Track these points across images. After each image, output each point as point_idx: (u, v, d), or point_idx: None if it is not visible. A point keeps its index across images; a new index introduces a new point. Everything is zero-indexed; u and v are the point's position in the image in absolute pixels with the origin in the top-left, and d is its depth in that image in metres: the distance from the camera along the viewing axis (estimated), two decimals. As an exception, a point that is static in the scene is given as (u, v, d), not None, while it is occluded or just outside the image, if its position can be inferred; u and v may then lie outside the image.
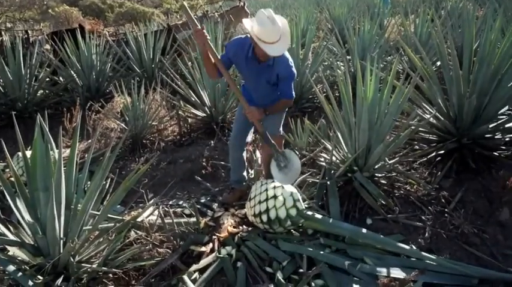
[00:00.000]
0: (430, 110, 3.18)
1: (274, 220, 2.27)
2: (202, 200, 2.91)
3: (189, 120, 4.43)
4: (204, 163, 3.42)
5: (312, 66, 4.75)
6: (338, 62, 5.30)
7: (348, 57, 5.28)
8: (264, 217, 2.28)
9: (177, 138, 4.22)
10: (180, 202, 2.87)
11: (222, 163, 3.45)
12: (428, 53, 4.89)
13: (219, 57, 2.35)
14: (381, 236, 2.24)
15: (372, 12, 8.26)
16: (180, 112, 4.27)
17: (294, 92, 2.50)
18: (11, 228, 2.05)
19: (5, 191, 2.01)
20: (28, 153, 2.11)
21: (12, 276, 1.75)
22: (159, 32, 6.58)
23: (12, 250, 1.96)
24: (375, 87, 2.63)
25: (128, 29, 7.83)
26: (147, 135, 4.12)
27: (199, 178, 3.22)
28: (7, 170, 3.27)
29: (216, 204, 2.85)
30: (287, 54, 2.37)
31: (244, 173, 2.85)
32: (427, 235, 2.31)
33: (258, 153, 3.20)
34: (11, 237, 1.98)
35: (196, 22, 2.25)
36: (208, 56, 2.33)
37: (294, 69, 2.40)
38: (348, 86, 2.76)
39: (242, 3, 8.37)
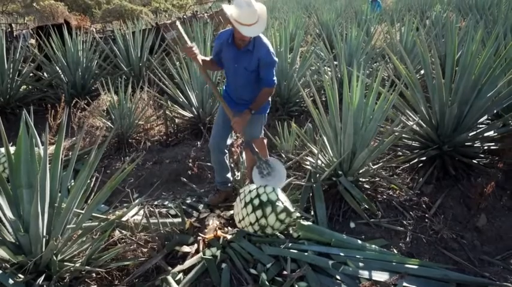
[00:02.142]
0: (414, 117, 3.26)
1: (267, 227, 2.28)
2: (188, 201, 2.91)
3: (176, 120, 4.42)
4: (190, 164, 3.42)
5: (300, 70, 4.80)
6: (325, 67, 5.37)
7: (334, 62, 5.36)
8: (256, 227, 2.28)
9: (163, 139, 4.20)
10: (166, 202, 2.87)
11: (208, 164, 3.45)
12: (413, 61, 5.01)
13: (203, 60, 2.56)
14: (376, 247, 2.25)
15: (359, 19, 8.41)
16: (167, 112, 4.26)
17: (275, 79, 2.52)
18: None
19: (-14, 188, 1.97)
20: (11, 149, 2.07)
21: (-8, 274, 1.72)
22: (148, 30, 6.53)
23: (-8, 248, 1.92)
24: (360, 93, 2.69)
25: (116, 27, 7.75)
26: (133, 135, 4.08)
27: (185, 179, 3.21)
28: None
29: (202, 205, 2.85)
30: (266, 41, 2.44)
31: (229, 175, 2.86)
32: (408, 239, 2.37)
33: (244, 155, 3.21)
34: (-9, 234, 1.94)
35: (187, 39, 2.50)
36: (199, 64, 2.54)
37: (274, 56, 2.45)
38: (335, 91, 2.81)
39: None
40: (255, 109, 2.51)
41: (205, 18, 7.74)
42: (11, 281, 1.70)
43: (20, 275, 1.77)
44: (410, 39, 5.45)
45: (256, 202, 2.28)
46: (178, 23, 2.60)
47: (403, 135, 3.17)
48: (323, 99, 4.54)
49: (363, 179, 2.85)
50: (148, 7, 21.61)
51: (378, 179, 2.89)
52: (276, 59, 2.48)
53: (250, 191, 2.33)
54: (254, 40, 2.40)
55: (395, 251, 2.27)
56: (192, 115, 4.36)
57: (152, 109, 4.48)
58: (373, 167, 2.85)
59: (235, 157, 3.23)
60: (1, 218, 1.93)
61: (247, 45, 2.39)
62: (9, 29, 6.11)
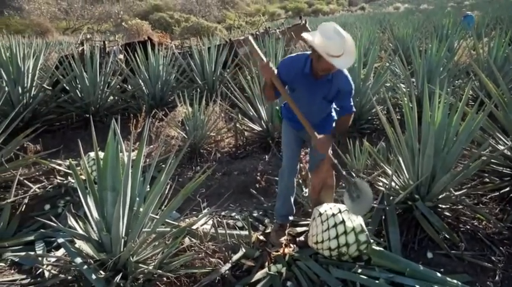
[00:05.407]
0: (505, 141, 2.94)
1: (345, 255, 2.21)
2: (255, 214, 2.92)
3: (246, 133, 4.51)
4: (258, 177, 3.45)
5: (374, 86, 4.63)
6: (401, 84, 5.12)
7: (412, 79, 5.07)
8: (335, 252, 2.21)
9: (232, 151, 4.31)
10: (233, 214, 2.91)
11: (276, 178, 3.44)
12: (504, 78, 4.55)
13: (284, 87, 2.28)
14: (458, 283, 2.03)
15: (440, 34, 7.91)
16: (237, 125, 4.37)
17: (353, 104, 2.39)
18: (80, 223, 2.20)
19: (78, 188, 2.18)
20: (99, 154, 2.27)
21: (79, 268, 1.87)
22: (222, 46, 6.84)
23: (79, 243, 2.10)
24: (443, 112, 2.50)
25: (193, 43, 8.24)
26: (205, 145, 4.25)
27: (254, 191, 3.24)
28: (78, 168, 3.53)
29: (268, 219, 2.84)
30: (344, 69, 2.28)
31: (292, 204, 2.65)
32: (497, 278, 2.10)
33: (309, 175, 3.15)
34: (80, 231, 2.13)
35: (262, 56, 2.24)
36: (271, 85, 2.26)
37: (352, 82, 2.31)
38: (414, 109, 2.65)
39: (303, 22, 8.46)
40: (340, 133, 2.40)
41: (277, 34, 7.87)
42: (93, 276, 1.83)
43: (101, 271, 1.91)
44: (500, 54, 4.97)
45: (340, 228, 2.19)
46: (251, 37, 2.43)
47: (492, 160, 2.86)
48: (397, 117, 4.31)
49: (443, 206, 2.62)
50: (222, 24, 22.76)
51: (460, 207, 2.63)
52: (353, 85, 2.34)
53: (334, 215, 2.24)
54: None
55: (482, 290, 2.03)
56: (261, 129, 4.43)
57: (223, 122, 4.64)
58: (456, 193, 2.61)
59: (303, 173, 3.18)
60: (89, 217, 2.11)
61: (326, 75, 2.23)
62: (103, 46, 6.81)
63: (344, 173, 2.34)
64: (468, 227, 2.53)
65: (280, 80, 2.23)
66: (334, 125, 2.47)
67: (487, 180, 2.90)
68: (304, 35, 2.20)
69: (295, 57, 2.31)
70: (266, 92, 2.36)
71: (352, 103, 2.38)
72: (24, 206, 3.03)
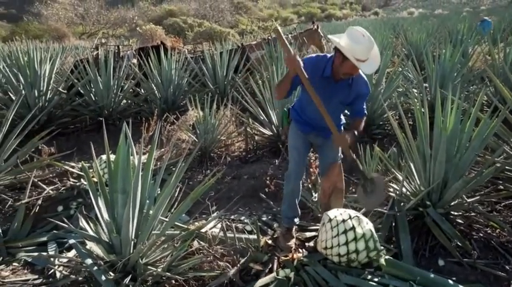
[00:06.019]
0: (520, 147, 2.88)
1: (354, 262, 2.18)
2: (264, 218, 2.92)
3: (256, 137, 4.52)
4: (267, 181, 3.45)
5: (386, 92, 4.59)
6: (413, 90, 5.06)
7: (424, 84, 5.02)
8: (344, 259, 2.18)
9: (242, 155, 4.32)
10: (242, 218, 2.92)
11: (286, 182, 3.44)
12: (520, 84, 4.46)
13: (308, 79, 2.18)
14: None
15: (454, 39, 7.81)
16: (248, 129, 4.38)
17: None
18: (91, 224, 2.24)
19: (89, 190, 2.22)
20: (110, 157, 2.30)
21: (89, 269, 1.90)
22: (234, 51, 6.89)
23: (90, 245, 2.13)
24: (456, 118, 2.47)
25: (206, 47, 8.31)
26: (215, 149, 4.28)
27: (263, 196, 3.25)
28: (90, 170, 3.59)
29: (277, 223, 2.83)
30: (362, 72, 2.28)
31: (298, 207, 2.62)
32: (511, 287, 2.06)
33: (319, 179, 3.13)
34: (91, 233, 2.16)
35: (290, 48, 2.17)
36: (290, 79, 2.21)
37: (369, 86, 2.34)
38: (426, 114, 2.62)
39: (316, 26, 8.46)
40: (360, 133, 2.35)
41: (289, 39, 7.89)
42: (103, 277, 1.86)
43: (110, 273, 1.93)
44: (516, 60, 4.87)
45: (350, 235, 2.16)
46: (278, 27, 2.32)
47: (506, 167, 2.80)
48: (410, 122, 4.27)
49: (455, 213, 2.57)
50: (235, 29, 22.94)
51: (473, 214, 2.58)
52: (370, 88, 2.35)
53: (344, 221, 2.21)
54: None
55: (495, 300, 1.99)
56: (271, 133, 4.43)
57: (234, 126, 4.66)
58: (468, 200, 2.57)
59: (313, 178, 3.16)
60: (99, 218, 2.14)
61: (347, 79, 2.22)
62: (117, 50, 6.94)
63: (361, 168, 2.32)
64: (481, 235, 2.49)
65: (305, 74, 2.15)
66: (349, 126, 2.42)
67: (501, 187, 2.84)
68: (331, 37, 2.20)
69: (319, 58, 2.30)
70: (283, 85, 2.27)
71: (364, 106, 2.39)
72: (38, 207, 3.09)
